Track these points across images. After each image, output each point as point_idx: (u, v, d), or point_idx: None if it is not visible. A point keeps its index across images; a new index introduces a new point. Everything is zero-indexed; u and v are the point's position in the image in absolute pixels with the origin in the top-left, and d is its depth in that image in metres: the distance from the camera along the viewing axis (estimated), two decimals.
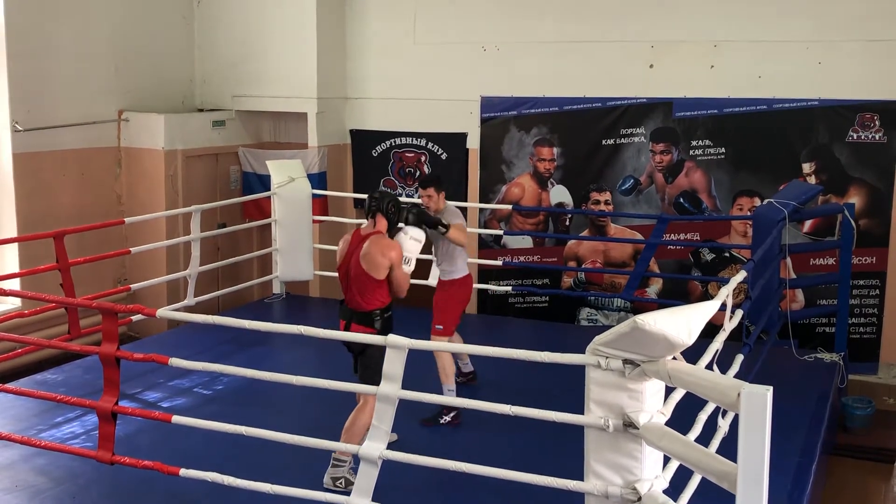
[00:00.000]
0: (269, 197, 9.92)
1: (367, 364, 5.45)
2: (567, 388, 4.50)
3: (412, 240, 5.70)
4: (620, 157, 9.78)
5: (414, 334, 4.60)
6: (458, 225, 6.54)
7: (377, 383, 4.58)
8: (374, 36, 10.72)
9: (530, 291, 10.17)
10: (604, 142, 9.80)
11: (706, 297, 9.35)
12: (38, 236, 7.80)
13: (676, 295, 9.46)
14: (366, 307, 5.58)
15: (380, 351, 4.66)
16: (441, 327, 6.61)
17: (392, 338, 4.51)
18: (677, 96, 9.49)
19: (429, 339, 6.41)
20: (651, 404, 3.87)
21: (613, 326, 3.84)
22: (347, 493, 4.63)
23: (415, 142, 10.70)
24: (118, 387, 5.21)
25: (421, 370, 6.26)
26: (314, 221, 9.86)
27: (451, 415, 6.47)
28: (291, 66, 10.51)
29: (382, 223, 5.67)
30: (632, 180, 9.77)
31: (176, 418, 5.15)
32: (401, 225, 5.75)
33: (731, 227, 9.47)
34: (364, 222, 5.91)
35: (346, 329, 5.60)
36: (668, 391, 4.05)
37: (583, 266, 10.07)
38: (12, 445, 5.84)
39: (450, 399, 5.46)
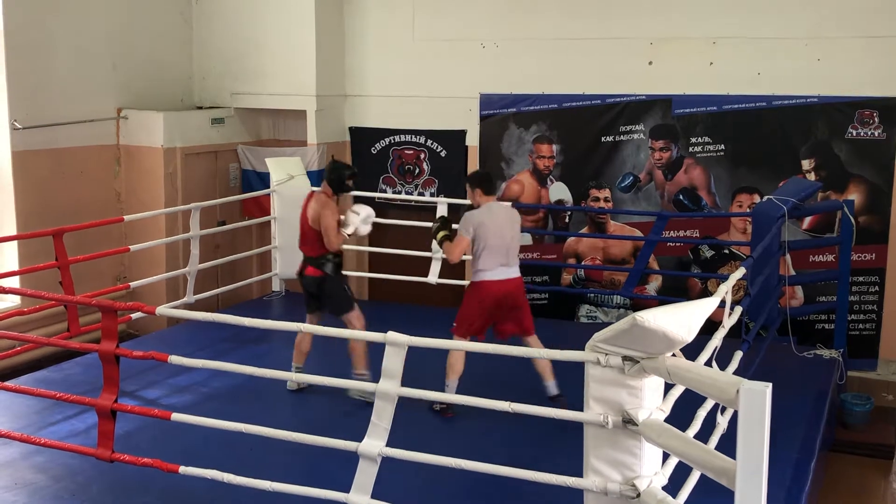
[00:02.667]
0: (268, 194, 9.93)
1: (330, 296, 6.94)
2: (566, 384, 4.50)
3: (352, 213, 6.98)
4: (620, 154, 9.77)
5: (418, 331, 4.60)
6: (457, 238, 6.62)
7: (348, 304, 6.68)
8: (373, 33, 10.72)
9: (530, 288, 10.10)
10: (603, 139, 9.80)
11: (706, 293, 9.35)
12: (38, 234, 7.81)
13: (676, 292, 9.46)
14: (314, 254, 6.92)
15: (334, 283, 6.81)
16: (455, 325, 6.69)
17: (391, 335, 4.52)
18: (676, 93, 9.49)
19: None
20: (650, 401, 3.87)
21: (613, 323, 3.84)
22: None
23: (414, 139, 10.70)
24: (118, 384, 5.22)
25: (426, 368, 6.29)
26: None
27: (443, 406, 6.54)
28: (290, 64, 10.50)
29: (327, 187, 6.93)
30: (631, 177, 9.77)
31: (175, 416, 5.15)
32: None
33: (731, 223, 9.48)
34: None
35: (301, 272, 7.05)
36: (668, 388, 4.05)
37: (582, 263, 10.08)
38: (12, 443, 5.85)
39: (450, 396, 5.47)
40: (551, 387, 6.56)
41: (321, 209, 6.85)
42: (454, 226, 6.80)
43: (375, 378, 4.56)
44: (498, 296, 6.60)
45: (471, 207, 6.76)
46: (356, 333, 5.65)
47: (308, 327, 5.15)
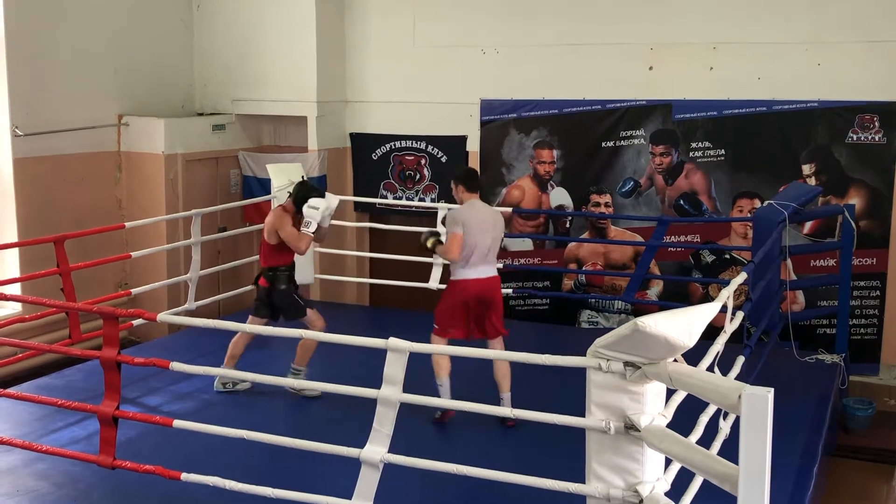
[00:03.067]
0: (269, 200, 9.92)
1: (280, 306, 7.19)
2: (568, 390, 4.50)
3: (309, 208, 6.92)
4: (620, 160, 9.78)
5: (419, 337, 4.60)
6: (448, 236, 6.59)
7: (299, 310, 7.06)
8: (373, 39, 10.73)
9: (531, 294, 10.16)
10: (603, 144, 9.80)
11: (707, 298, 9.34)
12: (39, 241, 7.80)
13: (677, 297, 9.46)
14: (266, 265, 7.19)
15: (282, 294, 7.09)
16: (435, 326, 6.70)
17: (393, 341, 4.52)
18: (677, 98, 9.49)
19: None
20: (652, 406, 3.87)
21: (614, 329, 3.84)
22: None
23: (415, 145, 10.70)
24: (119, 391, 5.22)
25: (427, 374, 6.28)
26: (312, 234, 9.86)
27: (440, 412, 6.50)
28: (291, 70, 10.52)
29: (290, 204, 7.11)
30: (632, 182, 9.78)
31: (177, 422, 5.14)
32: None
33: (732, 228, 9.47)
34: None
35: (255, 280, 7.38)
36: (670, 393, 4.05)
37: (583, 268, 10.08)
38: (13, 450, 5.85)
39: (453, 402, 5.45)
40: (506, 399, 6.46)
41: (274, 221, 7.06)
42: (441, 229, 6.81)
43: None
44: (476, 293, 6.57)
45: None
46: (319, 336, 5.47)
47: (310, 333, 5.16)
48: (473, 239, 6.50)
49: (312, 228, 6.94)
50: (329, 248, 9.85)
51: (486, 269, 6.61)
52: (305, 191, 7.10)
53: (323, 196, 7.10)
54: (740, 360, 5.80)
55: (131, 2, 10.10)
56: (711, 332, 4.35)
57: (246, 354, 7.35)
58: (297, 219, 7.01)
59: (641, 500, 3.84)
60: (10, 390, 6.39)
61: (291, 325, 6.83)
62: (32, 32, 9.03)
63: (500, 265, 9.80)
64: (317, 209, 6.96)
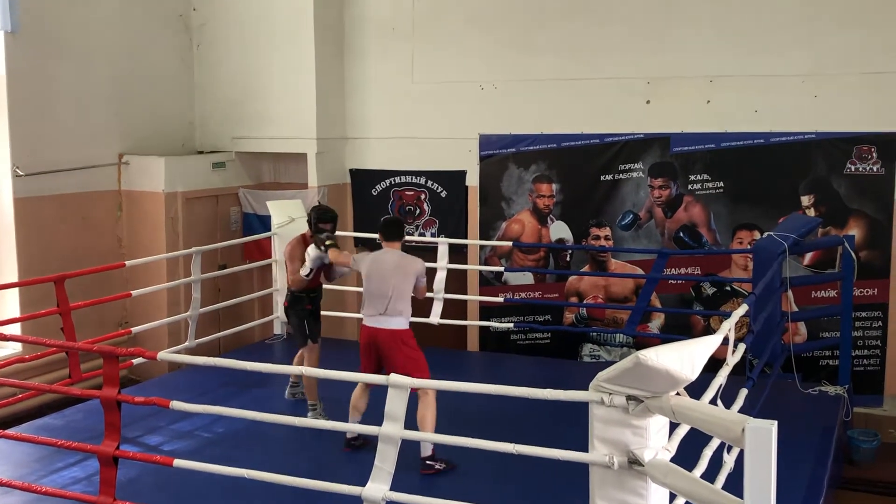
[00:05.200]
0: (269, 237, 9.93)
1: (291, 324, 7.58)
2: (571, 425, 4.48)
3: (307, 253, 7.20)
4: (619, 193, 9.80)
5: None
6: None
7: (301, 338, 7.35)
8: (372, 76, 10.80)
9: (532, 328, 10.14)
10: (602, 177, 9.83)
11: (708, 331, 9.32)
12: (39, 280, 7.80)
13: (678, 329, 9.43)
14: (288, 287, 7.46)
15: (292, 316, 7.42)
16: None
17: (394, 377, 4.50)
18: (674, 131, 9.54)
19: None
20: (655, 440, 3.85)
21: (616, 362, 3.83)
22: None
23: (414, 180, 10.74)
24: (119, 431, 5.18)
25: None
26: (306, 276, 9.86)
27: (442, 462, 6.35)
28: (291, 107, 10.57)
29: (307, 230, 7.34)
30: (631, 215, 9.79)
31: (178, 462, 5.11)
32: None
33: (732, 260, 9.47)
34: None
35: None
36: (673, 427, 4.03)
37: (584, 302, 10.06)
38: (13, 492, 5.79)
39: (454, 438, 5.41)
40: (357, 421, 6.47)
41: (289, 250, 7.38)
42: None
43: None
44: (368, 340, 6.49)
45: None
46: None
47: (309, 370, 5.14)
48: (368, 286, 6.52)
49: (305, 272, 7.20)
50: (329, 286, 9.82)
51: (380, 320, 6.44)
52: (318, 214, 7.27)
53: (331, 219, 7.26)
54: (743, 392, 5.77)
55: (131, 41, 10.18)
56: (713, 364, 4.34)
57: (250, 391, 7.31)
58: (315, 239, 7.24)
59: None
60: (10, 431, 6.37)
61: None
62: (33, 72, 9.09)
63: (501, 298, 9.86)
64: (309, 256, 7.17)
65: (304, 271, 7.20)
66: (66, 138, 9.43)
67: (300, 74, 10.49)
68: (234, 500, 5.54)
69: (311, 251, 7.16)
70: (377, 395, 5.29)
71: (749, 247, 9.12)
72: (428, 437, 5.71)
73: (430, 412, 6.19)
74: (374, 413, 6.08)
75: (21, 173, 8.88)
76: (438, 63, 10.47)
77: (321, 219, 7.22)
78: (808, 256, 9.12)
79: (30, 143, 9.01)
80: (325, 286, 7.76)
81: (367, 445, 6.46)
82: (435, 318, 9.39)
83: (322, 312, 7.70)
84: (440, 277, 9.40)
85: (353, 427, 5.18)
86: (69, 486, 5.95)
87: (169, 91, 10.75)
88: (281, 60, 10.58)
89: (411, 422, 4.53)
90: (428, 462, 6.23)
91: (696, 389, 4.01)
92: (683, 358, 3.64)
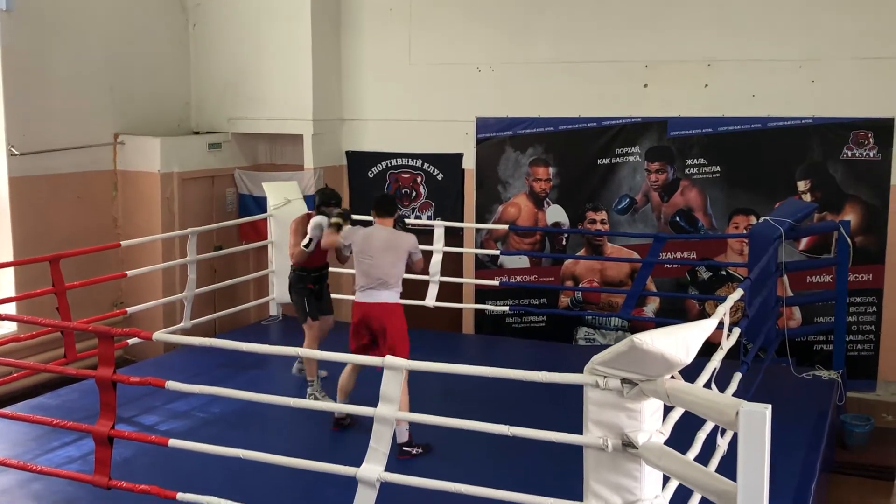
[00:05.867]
0: (265, 219, 9.92)
1: (293, 301, 7.60)
2: (565, 408, 4.49)
3: (313, 226, 7.14)
4: (616, 177, 9.80)
5: (415, 355, 4.59)
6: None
7: (302, 315, 7.36)
8: (369, 57, 10.76)
9: (527, 311, 10.16)
10: (599, 161, 9.82)
11: (703, 315, 9.34)
12: (34, 260, 7.79)
13: (674, 313, 9.46)
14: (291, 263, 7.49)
15: (294, 293, 7.49)
16: None
17: (389, 359, 4.51)
18: (672, 115, 9.52)
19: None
20: (650, 424, 3.86)
21: (611, 346, 3.83)
22: None
23: (411, 163, 10.72)
24: (115, 411, 5.19)
25: (424, 392, 6.27)
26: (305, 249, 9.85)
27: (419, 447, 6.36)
28: (287, 89, 10.54)
29: (314, 210, 7.30)
30: (627, 199, 9.79)
31: (173, 442, 5.12)
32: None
33: (728, 245, 9.48)
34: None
35: None
36: (667, 410, 4.04)
37: (580, 285, 10.07)
38: (8, 471, 5.81)
39: (449, 420, 5.42)
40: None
41: (294, 226, 7.45)
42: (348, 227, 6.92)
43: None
44: (361, 317, 6.51)
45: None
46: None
47: (306, 352, 5.15)
48: (357, 261, 6.55)
49: (305, 243, 7.20)
50: (341, 267, 9.82)
51: (372, 294, 6.48)
52: (323, 197, 7.29)
53: (339, 204, 7.27)
54: (737, 376, 5.79)
55: (127, 21, 10.13)
56: (708, 348, 4.34)
57: (245, 372, 7.31)
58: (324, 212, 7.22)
59: None
60: (5, 410, 6.37)
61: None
62: (29, 52, 9.05)
63: (497, 281, 9.86)
64: (313, 227, 7.10)
65: (304, 242, 7.19)
66: (62, 117, 9.39)
67: (297, 55, 10.44)
68: (229, 480, 5.55)
69: (314, 221, 7.13)
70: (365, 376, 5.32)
71: (745, 231, 9.12)
72: (420, 418, 5.71)
73: (403, 395, 6.22)
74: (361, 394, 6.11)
75: (16, 152, 8.86)
76: (436, 45, 10.44)
77: (324, 202, 7.20)
78: (804, 241, 9.13)
79: (25, 122, 8.98)
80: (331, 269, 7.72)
81: (354, 424, 6.52)
82: (430, 300, 9.40)
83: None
84: (436, 260, 9.41)
85: (346, 408, 5.18)
86: (64, 466, 5.97)
87: (165, 71, 10.71)
88: (277, 41, 10.53)
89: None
90: (405, 448, 6.24)
91: (690, 373, 4.02)
92: (678, 342, 3.64)
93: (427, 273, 9.37)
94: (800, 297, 8.94)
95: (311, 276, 7.47)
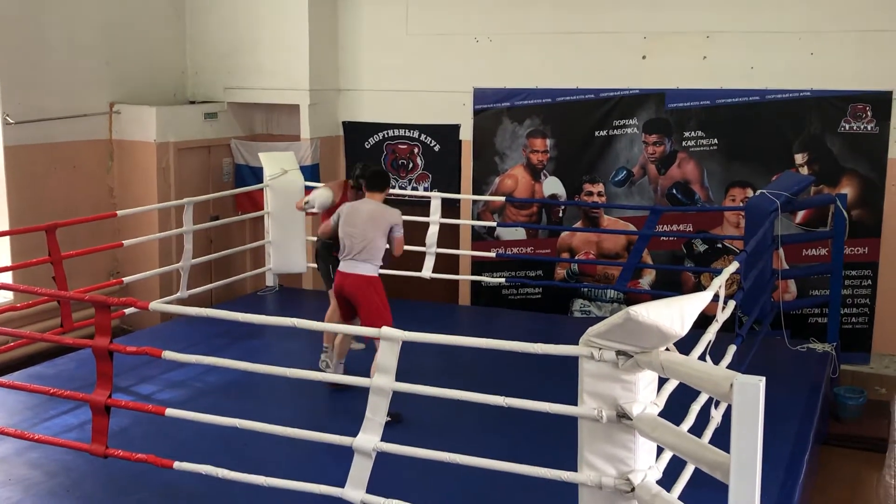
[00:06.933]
0: (261, 189, 9.90)
1: (319, 269, 7.79)
2: (560, 379, 4.51)
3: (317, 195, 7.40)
4: (613, 149, 9.78)
5: (412, 325, 4.61)
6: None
7: (327, 283, 7.38)
8: (366, 27, 10.70)
9: (523, 283, 10.18)
10: (597, 133, 9.80)
11: (699, 288, 9.36)
12: (30, 229, 7.77)
13: (669, 286, 9.48)
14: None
15: (319, 262, 7.66)
16: None
17: (385, 330, 4.52)
18: (670, 87, 9.49)
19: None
20: (644, 395, 3.88)
21: (607, 318, 3.84)
22: None
23: (408, 133, 10.69)
24: (111, 380, 5.20)
25: (421, 363, 6.28)
26: (307, 213, 9.85)
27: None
28: (284, 58, 10.48)
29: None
30: (624, 171, 9.78)
31: (169, 411, 5.14)
32: None
33: (724, 218, 9.49)
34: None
35: None
36: (662, 382, 4.06)
37: (576, 257, 10.09)
38: (6, 439, 5.84)
39: (444, 391, 5.44)
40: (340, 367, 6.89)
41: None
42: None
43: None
44: (338, 286, 6.73)
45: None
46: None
47: (304, 323, 5.14)
48: (341, 232, 6.72)
49: (303, 203, 7.51)
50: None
51: (349, 265, 6.64)
52: (361, 171, 7.22)
53: (362, 175, 7.15)
54: (732, 349, 5.81)
55: None
56: (703, 321, 4.36)
57: (242, 343, 7.31)
58: (354, 193, 7.32)
59: (633, 489, 3.85)
60: (2, 379, 6.37)
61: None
62: (24, 20, 8.98)
63: (493, 253, 9.87)
64: (323, 206, 7.41)
65: (301, 202, 7.46)
66: (57, 86, 9.34)
67: (293, 25, 10.38)
68: (226, 449, 5.58)
69: (323, 195, 7.36)
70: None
71: (742, 204, 9.13)
72: (417, 389, 5.73)
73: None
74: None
75: (11, 121, 8.81)
76: (433, 15, 10.37)
77: (353, 175, 7.33)
78: (800, 214, 9.14)
79: (20, 90, 8.92)
80: None
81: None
82: (427, 272, 9.40)
83: (314, 265, 7.75)
84: (432, 232, 9.41)
85: (342, 379, 5.19)
86: (61, 434, 5.99)
87: (161, 40, 10.64)
88: (274, 9, 10.46)
89: (402, 374, 4.55)
90: None
91: (685, 345, 4.03)
92: (673, 314, 3.66)
93: (424, 245, 9.39)
94: (795, 270, 8.97)
95: (337, 246, 7.44)
